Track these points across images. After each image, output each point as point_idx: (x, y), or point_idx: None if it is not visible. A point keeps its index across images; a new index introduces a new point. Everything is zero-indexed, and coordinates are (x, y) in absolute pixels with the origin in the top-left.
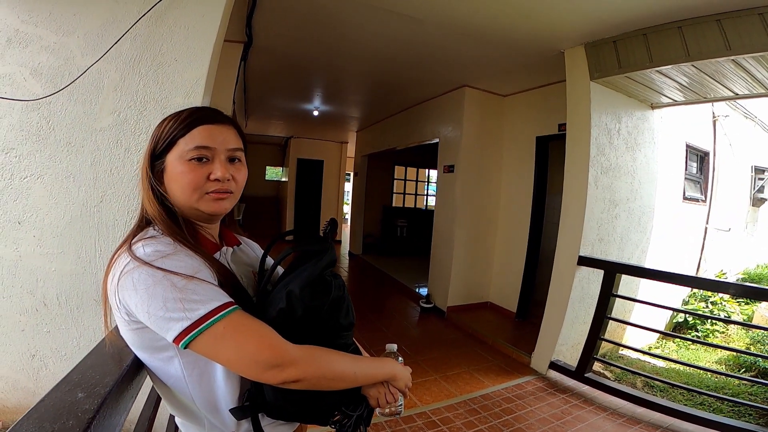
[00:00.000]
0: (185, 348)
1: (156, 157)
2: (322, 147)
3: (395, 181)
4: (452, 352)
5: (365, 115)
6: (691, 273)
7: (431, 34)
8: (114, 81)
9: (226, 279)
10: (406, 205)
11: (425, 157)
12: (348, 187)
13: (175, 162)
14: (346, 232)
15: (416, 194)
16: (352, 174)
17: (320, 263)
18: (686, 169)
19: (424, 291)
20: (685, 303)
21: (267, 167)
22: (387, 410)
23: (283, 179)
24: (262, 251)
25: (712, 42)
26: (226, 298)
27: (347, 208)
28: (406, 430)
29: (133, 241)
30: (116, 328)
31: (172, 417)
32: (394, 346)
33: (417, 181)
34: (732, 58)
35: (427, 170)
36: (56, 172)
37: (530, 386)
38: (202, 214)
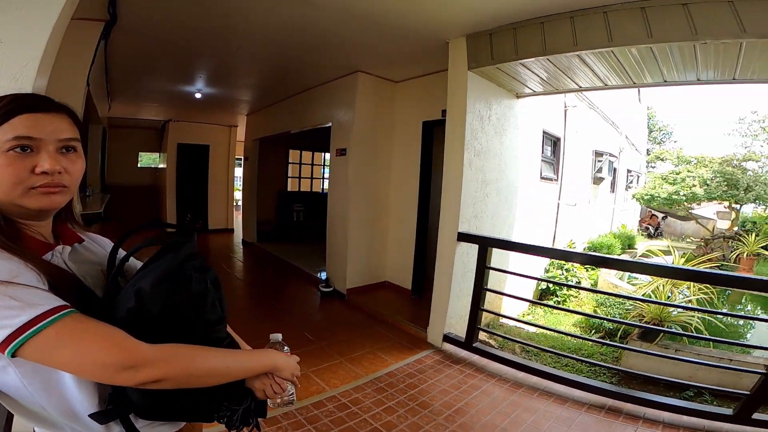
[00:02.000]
0: (12, 357)
1: None
2: (207, 131)
3: (290, 165)
4: (355, 333)
5: (256, 98)
6: (548, 244)
7: (325, 20)
8: None
9: (60, 281)
10: (302, 190)
11: (321, 140)
12: (239, 172)
13: None
14: (238, 219)
15: (312, 178)
16: (243, 159)
17: (177, 256)
18: (543, 153)
19: (324, 275)
20: (546, 271)
21: (140, 153)
22: (278, 400)
23: (161, 166)
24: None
25: (564, 38)
26: (56, 301)
27: (239, 194)
28: (318, 415)
29: None
30: None
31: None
32: (279, 336)
33: (313, 164)
34: (577, 53)
35: (323, 154)
36: None
37: (429, 360)
38: (27, 211)
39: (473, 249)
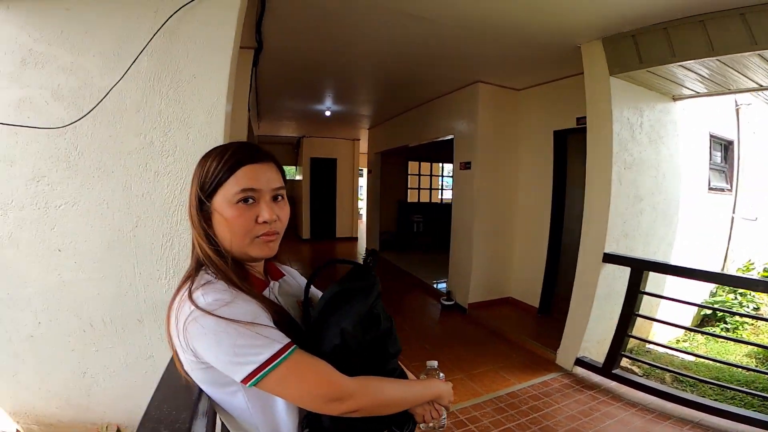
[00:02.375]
0: (253, 386)
1: (202, 201)
2: (334, 145)
3: (409, 176)
4: (476, 349)
5: (376, 112)
6: (718, 264)
7: (441, 33)
8: (135, 101)
9: (280, 317)
10: (421, 200)
11: (439, 151)
12: (362, 182)
13: (223, 205)
14: (361, 228)
15: (431, 188)
16: (365, 170)
17: (369, 298)
18: (710, 159)
19: (443, 287)
20: (713, 294)
21: None
22: (431, 424)
23: (297, 178)
24: (304, 279)
25: (737, 36)
26: (285, 339)
27: (362, 204)
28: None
29: (193, 288)
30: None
31: None
32: (435, 363)
33: (431, 175)
34: (758, 52)
35: (441, 164)
36: (90, 199)
37: (556, 383)
38: (250, 258)
39: (621, 270)
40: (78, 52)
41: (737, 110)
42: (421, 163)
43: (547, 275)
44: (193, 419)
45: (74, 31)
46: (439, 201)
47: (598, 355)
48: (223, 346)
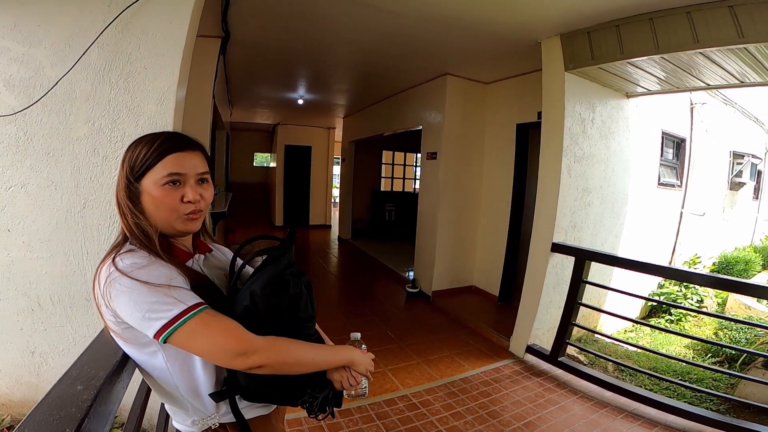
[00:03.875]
0: (164, 342)
1: (131, 181)
2: (309, 133)
3: (383, 165)
4: (436, 336)
5: (351, 102)
6: (666, 257)
7: (411, 26)
8: (85, 91)
9: (198, 282)
10: (394, 189)
11: (412, 141)
12: (337, 170)
13: (150, 186)
14: (335, 216)
15: (404, 178)
16: (340, 158)
17: (279, 265)
18: (662, 156)
19: (411, 275)
20: (661, 286)
21: (255, 153)
22: (353, 392)
23: (272, 165)
24: (232, 255)
25: (682, 34)
26: (196, 299)
27: (336, 192)
28: (388, 411)
29: (115, 255)
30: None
31: (163, 404)
32: (358, 335)
33: (405, 165)
34: (700, 50)
35: (415, 154)
36: (38, 181)
37: (508, 370)
38: (177, 232)
39: (569, 260)
40: (30, 44)
41: (691, 109)
42: (395, 153)
43: (507, 264)
44: (109, 377)
45: (27, 24)
46: (412, 190)
47: (548, 343)
48: (137, 304)
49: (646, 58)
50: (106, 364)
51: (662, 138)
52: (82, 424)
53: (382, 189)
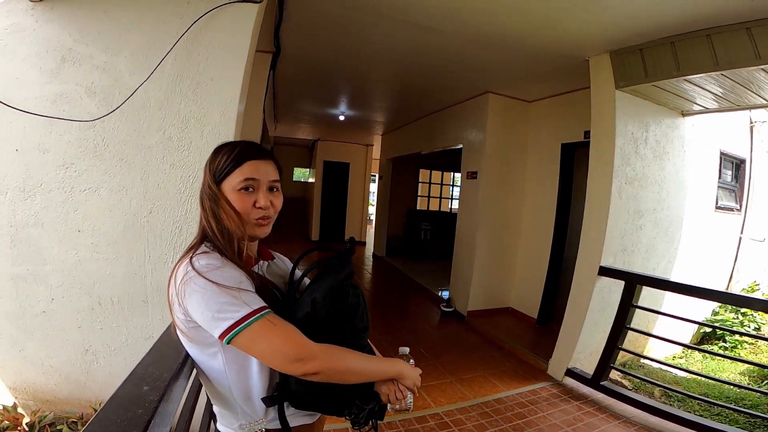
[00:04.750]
0: (228, 343)
1: (213, 185)
2: (348, 149)
3: (420, 184)
4: (470, 355)
5: (390, 119)
6: (722, 284)
7: (453, 44)
8: (159, 100)
9: (263, 288)
10: (430, 209)
11: (450, 160)
12: (373, 188)
13: (228, 191)
14: (370, 233)
15: (441, 197)
16: (377, 175)
17: (340, 275)
18: (720, 177)
19: (446, 294)
20: (715, 313)
21: (295, 168)
22: (397, 406)
23: (310, 180)
24: (292, 264)
25: (741, 50)
26: (262, 303)
27: (372, 209)
28: (419, 429)
29: (192, 255)
30: (172, 325)
31: (208, 405)
32: (407, 349)
33: (442, 184)
34: (762, 67)
35: (452, 173)
36: (111, 186)
37: (545, 392)
38: (248, 236)
39: (617, 284)
40: (112, 52)
41: (751, 127)
42: (432, 172)
43: (548, 287)
44: (173, 378)
45: (110, 33)
46: (448, 210)
47: (590, 367)
48: (208, 303)
49: (704, 74)
50: (170, 366)
51: (720, 158)
52: (148, 425)
53: (418, 207)
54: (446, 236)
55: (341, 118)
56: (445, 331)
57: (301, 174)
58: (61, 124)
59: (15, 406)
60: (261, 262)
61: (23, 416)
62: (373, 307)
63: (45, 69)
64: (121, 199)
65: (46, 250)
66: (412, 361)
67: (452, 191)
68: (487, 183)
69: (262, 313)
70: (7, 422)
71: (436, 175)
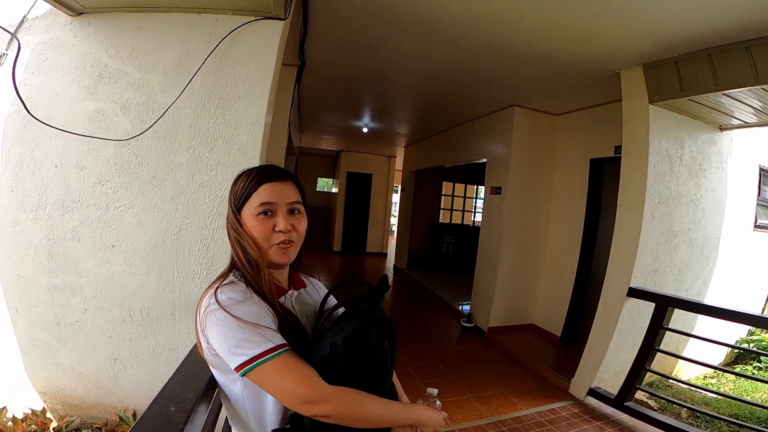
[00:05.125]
0: (243, 376)
1: (235, 213)
2: (371, 161)
3: (443, 197)
4: (489, 372)
5: (413, 132)
6: (758, 305)
7: (477, 57)
8: (189, 119)
9: (285, 322)
10: (453, 221)
11: (474, 172)
12: (395, 199)
13: (247, 217)
14: (392, 245)
15: (464, 210)
16: (399, 187)
17: (364, 318)
18: (759, 195)
19: (467, 309)
20: (751, 333)
21: (318, 178)
22: None
23: (333, 190)
24: (325, 291)
25: None
26: (279, 341)
27: (394, 220)
28: None
29: (219, 285)
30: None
31: (227, 426)
32: (435, 391)
33: (465, 197)
34: None
35: (475, 186)
36: (144, 203)
37: (565, 411)
38: (272, 263)
39: (646, 305)
40: (145, 69)
41: None
42: (455, 185)
43: (573, 305)
44: (198, 400)
45: (143, 49)
46: (471, 223)
47: (614, 388)
48: (227, 337)
49: (744, 89)
50: (196, 386)
51: (760, 175)
52: None
53: (441, 220)
54: (469, 250)
55: (365, 130)
56: (464, 346)
57: (324, 184)
58: (97, 142)
59: (44, 411)
60: (291, 291)
61: (51, 421)
62: (392, 320)
63: (84, 85)
64: (153, 216)
65: (82, 263)
66: (438, 403)
67: (476, 204)
68: (511, 198)
69: (278, 352)
70: (35, 426)
71: (460, 187)
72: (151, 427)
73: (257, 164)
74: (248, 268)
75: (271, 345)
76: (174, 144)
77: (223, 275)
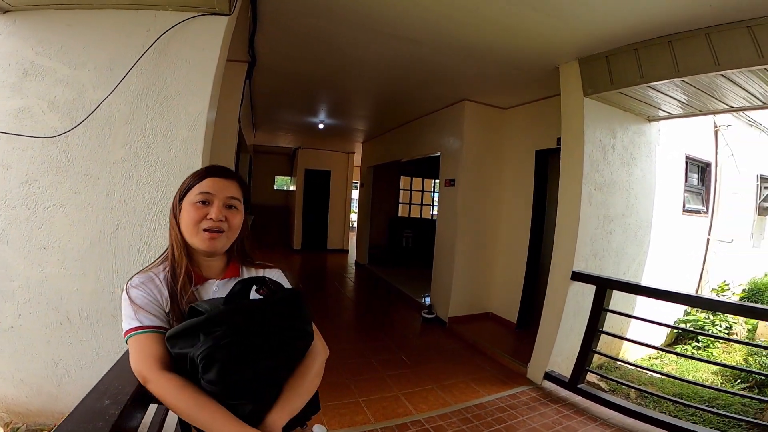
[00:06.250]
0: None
1: (177, 202)
2: (329, 157)
3: (401, 191)
4: (451, 362)
5: (370, 127)
6: (692, 285)
7: (429, 53)
8: (124, 115)
9: (179, 308)
10: (412, 216)
11: (431, 166)
12: (355, 195)
13: (186, 205)
14: (352, 241)
15: (422, 204)
16: (359, 183)
17: (194, 321)
18: (686, 181)
19: (428, 301)
20: (687, 313)
21: (276, 177)
22: None
23: (292, 188)
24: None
25: (701, 57)
26: (144, 323)
27: (354, 216)
28: None
29: (146, 267)
30: None
31: (180, 422)
32: (324, 429)
33: (423, 191)
34: (721, 73)
35: (433, 180)
36: (76, 202)
37: (524, 396)
38: (200, 250)
39: (590, 288)
40: (75, 66)
41: (716, 132)
42: (413, 179)
43: (525, 292)
44: (137, 392)
45: (73, 46)
46: (429, 217)
47: (567, 371)
48: (123, 310)
49: (666, 81)
50: (133, 380)
51: (686, 163)
52: None
53: (400, 215)
54: (428, 243)
55: (321, 126)
56: (426, 337)
57: (282, 182)
58: (23, 140)
59: None
60: (211, 281)
61: None
62: (355, 315)
63: (6, 83)
64: (87, 215)
65: (12, 267)
66: None
67: (433, 197)
68: (464, 190)
69: (136, 332)
70: None
71: (417, 181)
72: (80, 421)
73: (200, 160)
74: (174, 250)
75: (135, 325)
76: (107, 140)
77: (160, 256)
